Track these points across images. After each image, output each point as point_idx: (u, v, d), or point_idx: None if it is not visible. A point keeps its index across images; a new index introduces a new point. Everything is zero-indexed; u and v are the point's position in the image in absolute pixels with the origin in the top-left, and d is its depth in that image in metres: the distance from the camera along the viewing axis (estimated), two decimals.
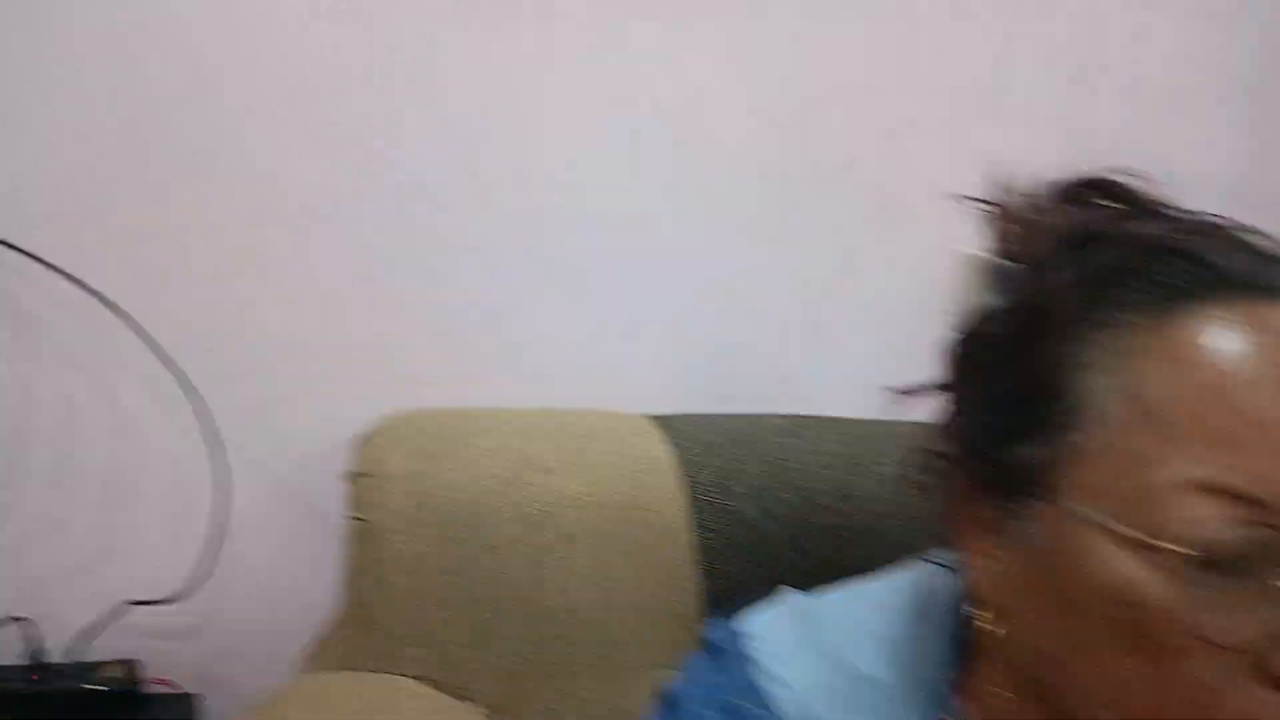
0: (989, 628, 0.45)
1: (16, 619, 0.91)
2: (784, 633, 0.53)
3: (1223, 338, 0.39)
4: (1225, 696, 0.37)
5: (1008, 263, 0.46)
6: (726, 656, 0.52)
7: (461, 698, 0.75)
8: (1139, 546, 0.38)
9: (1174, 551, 0.37)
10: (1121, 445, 0.39)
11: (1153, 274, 0.41)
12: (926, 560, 0.53)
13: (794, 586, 0.58)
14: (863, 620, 0.52)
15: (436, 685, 0.75)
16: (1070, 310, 0.42)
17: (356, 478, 0.78)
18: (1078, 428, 0.40)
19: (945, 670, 0.49)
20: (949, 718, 0.48)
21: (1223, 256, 0.41)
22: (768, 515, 0.79)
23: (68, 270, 0.88)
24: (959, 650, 0.49)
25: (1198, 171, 0.53)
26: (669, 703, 0.52)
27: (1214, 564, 0.37)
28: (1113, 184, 0.46)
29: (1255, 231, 0.43)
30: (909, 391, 0.49)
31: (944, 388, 0.48)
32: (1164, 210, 0.45)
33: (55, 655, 0.91)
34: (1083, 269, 0.42)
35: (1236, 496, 0.37)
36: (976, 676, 0.48)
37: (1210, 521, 0.37)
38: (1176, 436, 0.38)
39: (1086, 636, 0.40)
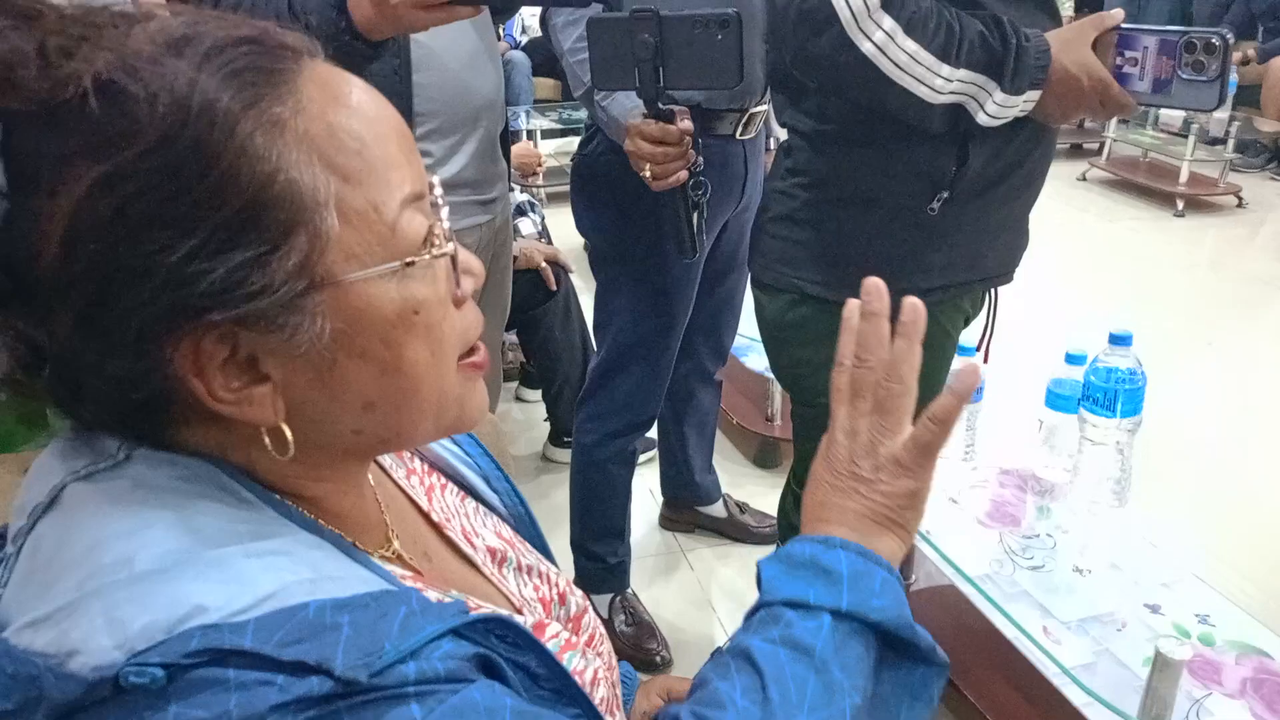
0: (286, 450, 0.48)
1: None
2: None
3: (332, 90, 0.46)
4: (466, 330, 0.52)
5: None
6: None
7: None
8: (402, 271, 0.47)
9: (425, 258, 0.48)
10: (349, 211, 0.45)
11: (245, 64, 0.44)
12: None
13: None
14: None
15: None
16: (233, 126, 0.42)
17: None
18: (306, 220, 0.44)
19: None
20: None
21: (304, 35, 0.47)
22: None
23: None
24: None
25: None
26: None
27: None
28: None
29: None
30: None
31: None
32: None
33: None
34: (205, 82, 0.42)
35: (416, 196, 0.48)
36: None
37: (420, 223, 0.48)
38: (374, 180, 0.46)
39: (391, 362, 0.48)
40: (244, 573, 0.43)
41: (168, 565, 0.42)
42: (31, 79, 0.40)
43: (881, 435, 0.62)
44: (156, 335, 0.43)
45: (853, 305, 0.64)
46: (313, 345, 0.45)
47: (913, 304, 0.63)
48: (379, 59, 1.10)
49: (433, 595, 0.53)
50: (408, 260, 0.47)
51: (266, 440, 0.48)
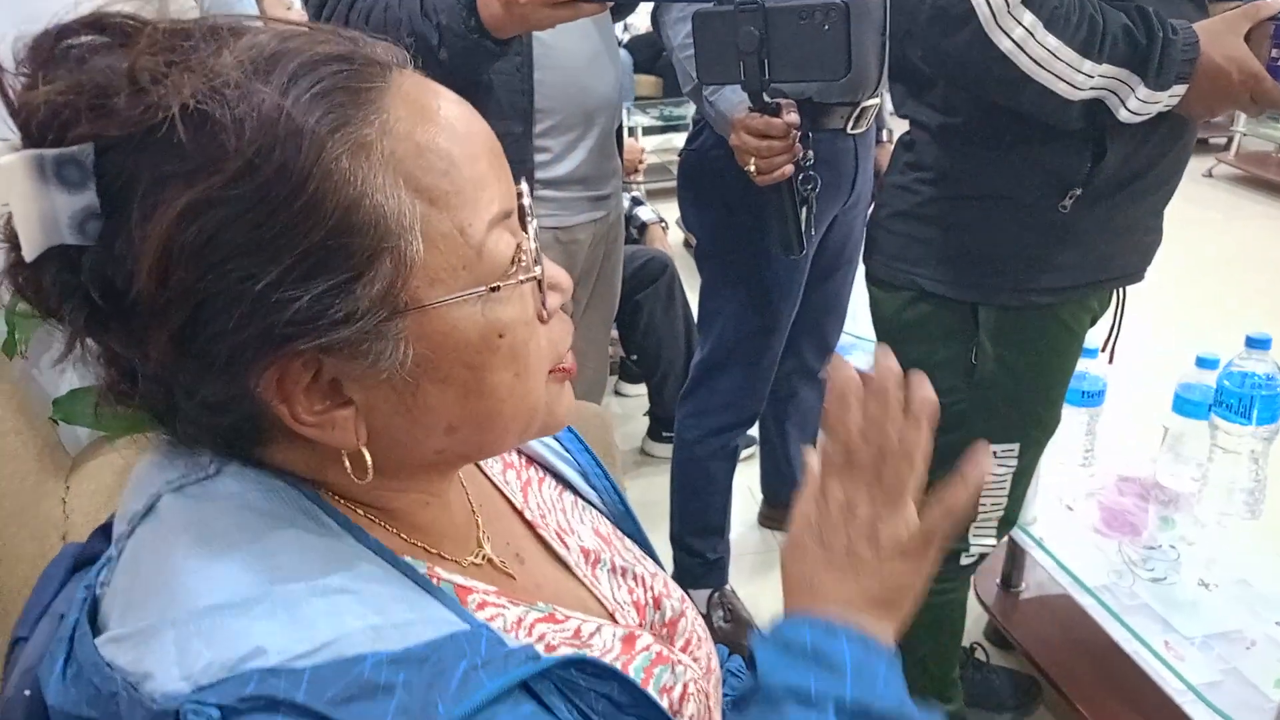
0: (365, 474, 0.48)
1: None
2: None
3: (420, 106, 0.45)
4: (555, 344, 0.52)
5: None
6: None
7: None
8: (488, 294, 0.46)
9: (511, 284, 0.47)
10: (434, 235, 0.44)
11: (333, 85, 0.42)
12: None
13: None
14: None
15: None
16: (319, 151, 0.41)
17: None
18: (391, 245, 0.43)
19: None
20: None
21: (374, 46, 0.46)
22: None
23: None
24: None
25: None
26: None
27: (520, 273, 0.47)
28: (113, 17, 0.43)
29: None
30: None
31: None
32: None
33: None
34: (291, 105, 0.41)
35: (505, 215, 0.47)
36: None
37: (507, 242, 0.47)
38: (461, 202, 0.45)
39: (473, 385, 0.48)
40: (308, 615, 0.43)
41: (237, 600, 0.43)
42: (123, 106, 0.40)
43: (882, 514, 0.57)
44: (245, 360, 0.43)
45: (841, 371, 0.60)
46: (395, 371, 0.45)
47: (922, 385, 0.58)
48: (504, 56, 1.12)
49: (515, 614, 0.53)
50: (493, 285, 0.47)
51: (347, 464, 0.48)
